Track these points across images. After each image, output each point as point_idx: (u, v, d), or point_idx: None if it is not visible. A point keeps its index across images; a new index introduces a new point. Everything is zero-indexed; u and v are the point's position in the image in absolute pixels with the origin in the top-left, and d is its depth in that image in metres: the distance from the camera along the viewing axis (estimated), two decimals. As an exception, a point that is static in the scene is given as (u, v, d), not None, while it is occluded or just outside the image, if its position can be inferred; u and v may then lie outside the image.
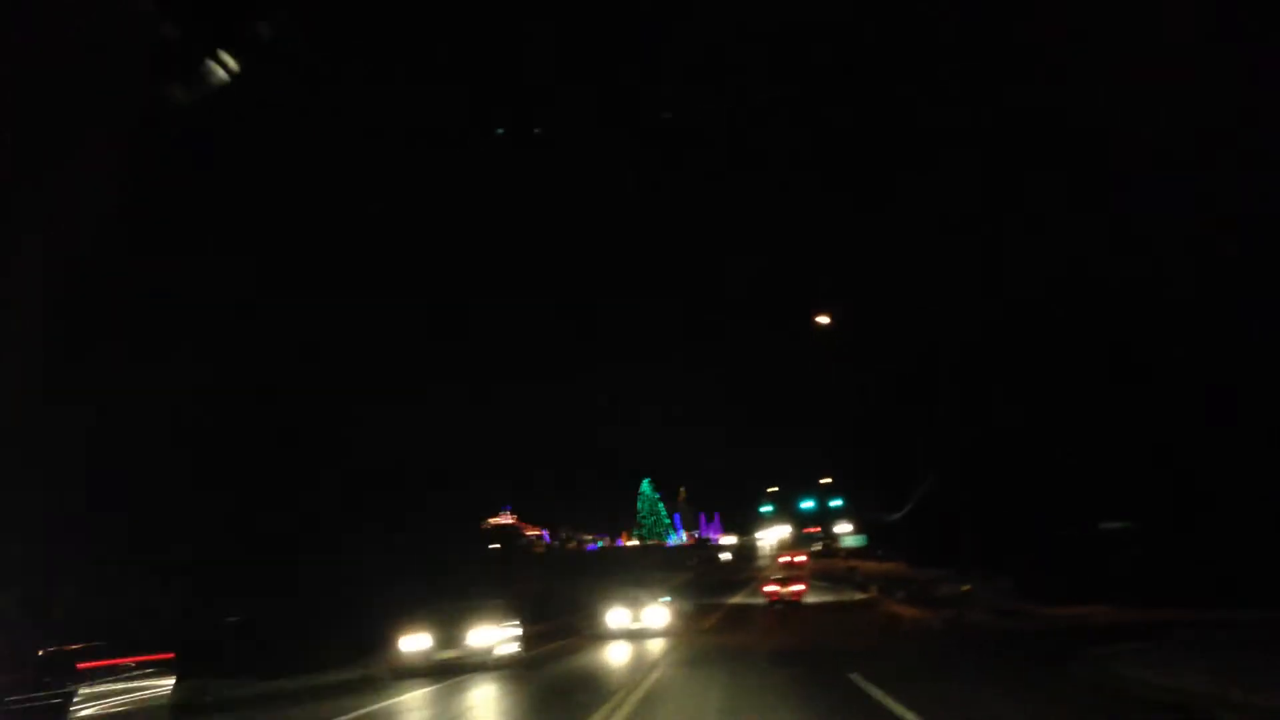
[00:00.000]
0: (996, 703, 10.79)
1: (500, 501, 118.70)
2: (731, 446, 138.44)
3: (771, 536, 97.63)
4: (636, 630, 25.21)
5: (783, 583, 38.80)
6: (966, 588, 27.75)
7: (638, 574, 46.39)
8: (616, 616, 25.74)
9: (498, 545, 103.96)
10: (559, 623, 30.59)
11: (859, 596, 40.99)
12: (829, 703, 11.35)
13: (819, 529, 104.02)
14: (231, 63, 8.44)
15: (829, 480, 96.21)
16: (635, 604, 25.93)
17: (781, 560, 63.66)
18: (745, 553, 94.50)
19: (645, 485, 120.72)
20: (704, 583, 55.91)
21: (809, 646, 19.95)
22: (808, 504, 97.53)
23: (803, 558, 64.53)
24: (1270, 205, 17.56)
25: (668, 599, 26.94)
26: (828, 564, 70.58)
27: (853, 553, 65.13)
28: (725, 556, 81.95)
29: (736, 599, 41.59)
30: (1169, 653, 13.13)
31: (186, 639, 17.17)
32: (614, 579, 35.15)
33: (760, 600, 40.56)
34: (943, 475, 41.73)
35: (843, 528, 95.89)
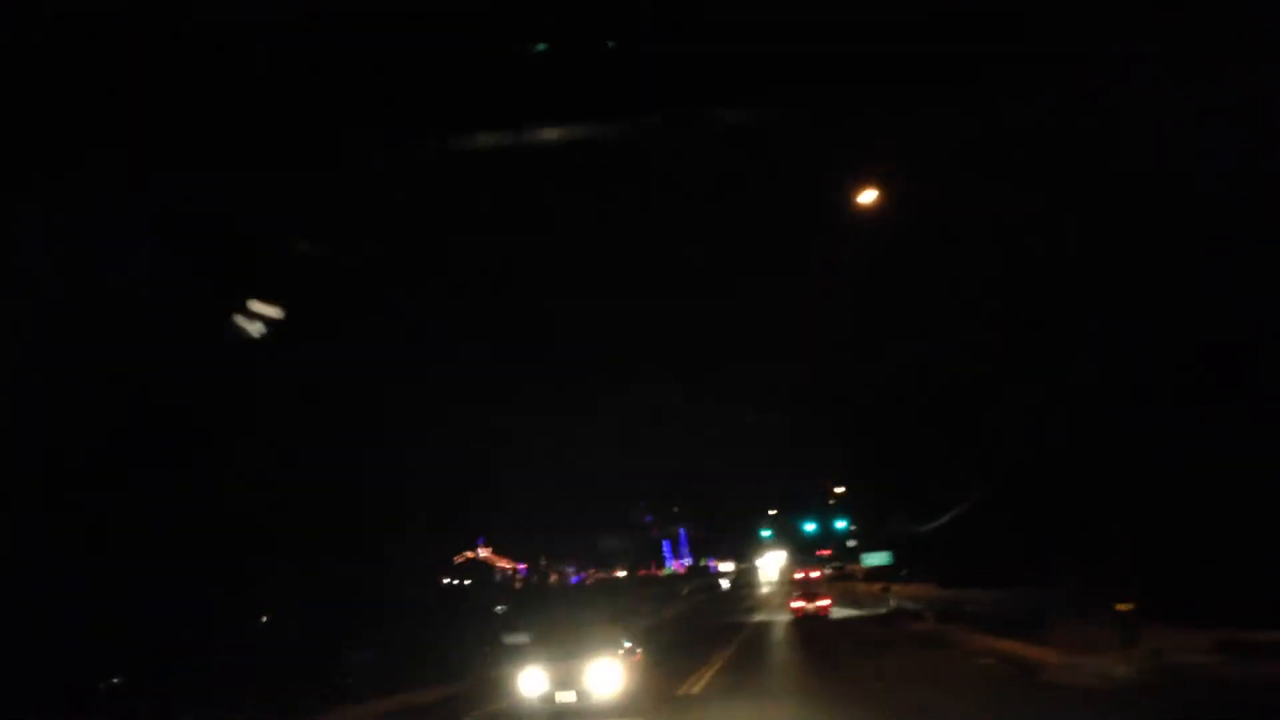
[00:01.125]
0: None
1: (476, 534, 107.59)
2: (731, 469, 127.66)
3: (771, 563, 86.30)
4: (567, 707, 13.97)
5: (808, 598, 40.04)
6: (1125, 605, 16.47)
7: (617, 607, 35.52)
8: (533, 682, 14.44)
9: (468, 581, 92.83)
10: (455, 688, 19.07)
11: (915, 627, 29.64)
12: None
13: (828, 551, 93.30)
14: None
15: (841, 490, 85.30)
16: (569, 658, 14.60)
17: (797, 577, 62.60)
18: (745, 579, 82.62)
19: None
20: (698, 619, 44.61)
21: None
22: (810, 526, 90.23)
23: (817, 573, 63.09)
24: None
25: (627, 646, 15.44)
26: (846, 586, 59.14)
27: (875, 572, 53.70)
28: (724, 584, 70.37)
29: (740, 640, 30.01)
30: None
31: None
32: (559, 616, 23.84)
33: (778, 635, 29.52)
34: (1002, 477, 31.39)
35: (856, 545, 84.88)
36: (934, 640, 24.24)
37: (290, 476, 24.22)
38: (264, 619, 23.87)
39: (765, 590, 63.39)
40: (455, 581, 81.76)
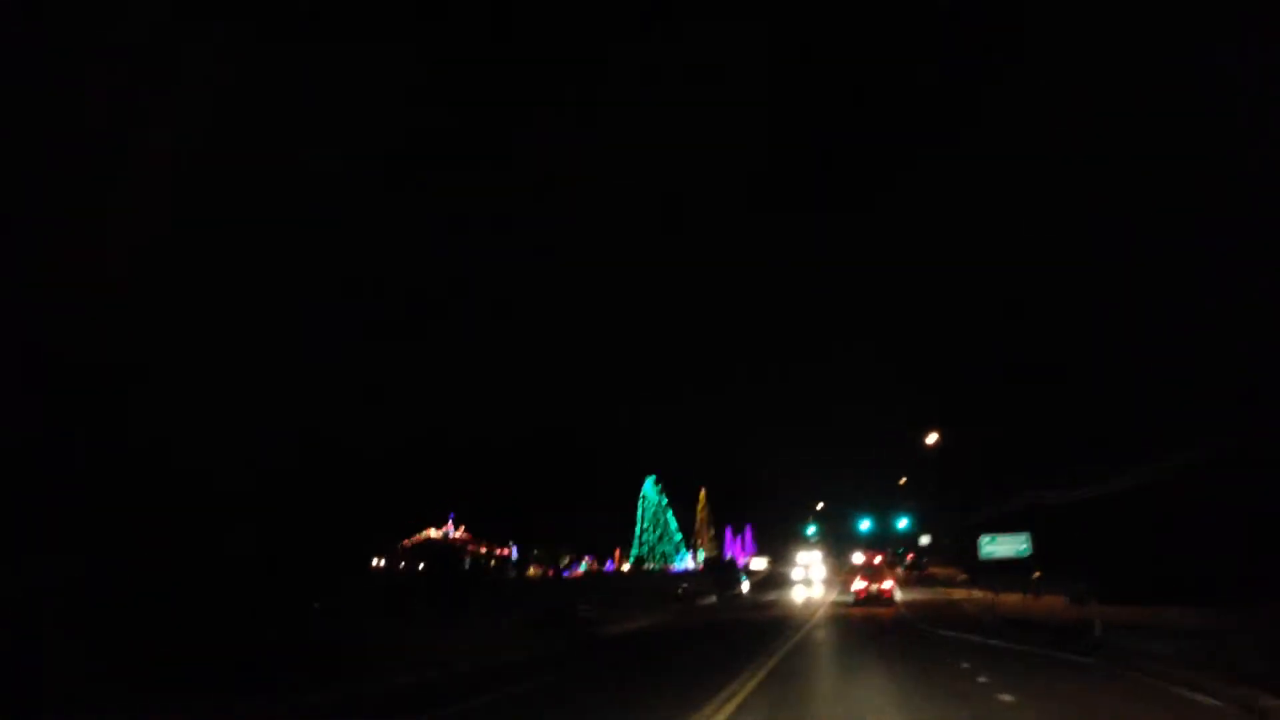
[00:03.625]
0: None
1: (444, 509, 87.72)
2: (774, 447, 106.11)
3: (816, 564, 65.09)
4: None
5: (871, 578, 40.44)
6: None
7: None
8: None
9: (421, 566, 73.36)
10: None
11: None
12: None
13: (883, 554, 74.46)
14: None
15: (904, 481, 64.85)
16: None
17: (858, 561, 60.82)
18: (774, 580, 60.13)
19: (649, 487, 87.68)
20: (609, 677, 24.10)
21: None
22: (865, 524, 75.34)
23: (879, 558, 59.06)
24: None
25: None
26: (928, 596, 37.69)
27: (990, 571, 32.29)
28: (744, 588, 48.01)
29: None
30: None
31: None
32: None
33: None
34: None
35: (931, 545, 64.58)
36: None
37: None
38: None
39: (802, 600, 42.55)
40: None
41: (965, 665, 13.53)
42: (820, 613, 31.07)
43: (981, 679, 11.84)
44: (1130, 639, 15.89)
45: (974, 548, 32.34)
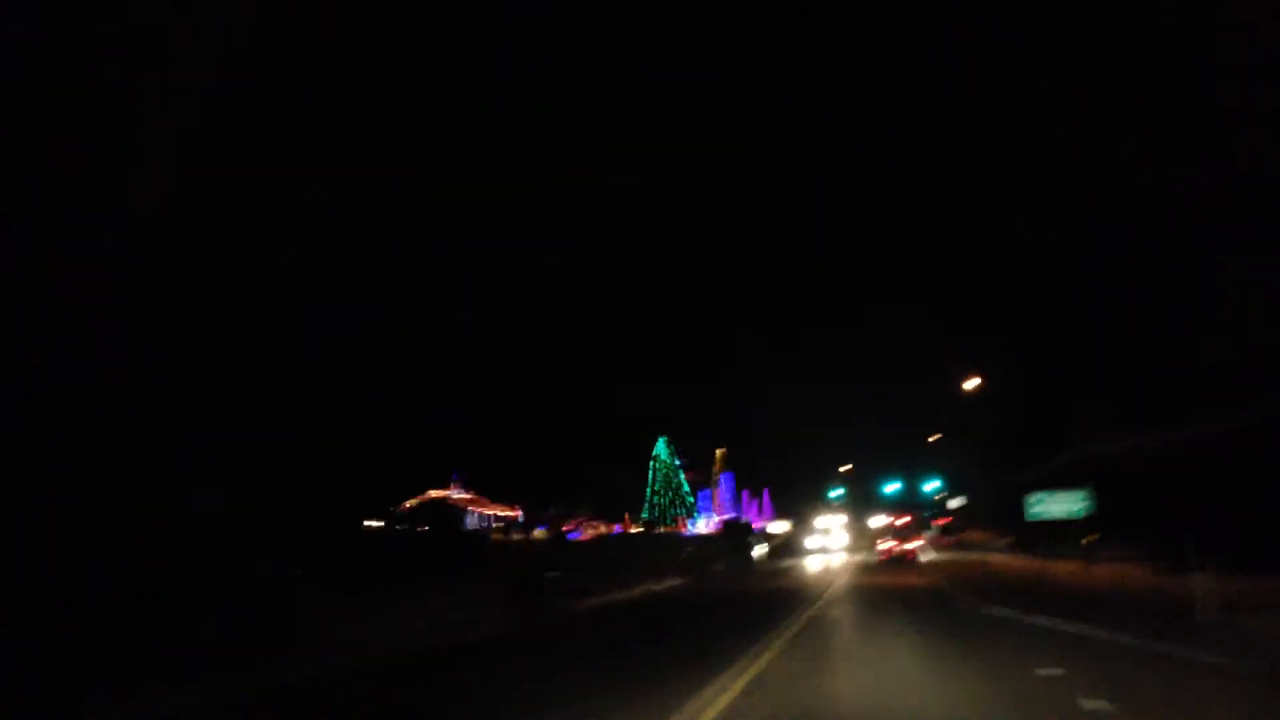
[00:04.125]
0: None
1: (450, 467, 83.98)
2: (802, 405, 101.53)
3: (836, 528, 61.05)
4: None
5: (899, 538, 41.97)
6: None
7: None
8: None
9: (424, 528, 69.97)
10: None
11: None
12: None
13: (909, 516, 70.68)
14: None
15: (938, 437, 60.26)
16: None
17: (882, 524, 59.46)
18: (793, 547, 55.39)
19: (661, 446, 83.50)
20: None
21: None
22: (893, 486, 72.49)
23: (907, 518, 57.90)
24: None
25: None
26: (965, 564, 33.36)
27: (1042, 533, 27.93)
28: (758, 551, 43.29)
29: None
30: None
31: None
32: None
33: None
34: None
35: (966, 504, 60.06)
36: None
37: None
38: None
39: (820, 567, 38.32)
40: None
41: (1044, 672, 9.20)
42: (841, 582, 26.97)
43: (1091, 705, 7.54)
44: (1266, 623, 11.58)
45: (1017, 508, 28.05)
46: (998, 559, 31.13)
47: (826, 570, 35.40)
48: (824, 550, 50.89)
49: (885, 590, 23.35)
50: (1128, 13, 27.90)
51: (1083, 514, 24.89)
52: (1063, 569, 24.88)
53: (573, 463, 76.13)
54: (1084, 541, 27.82)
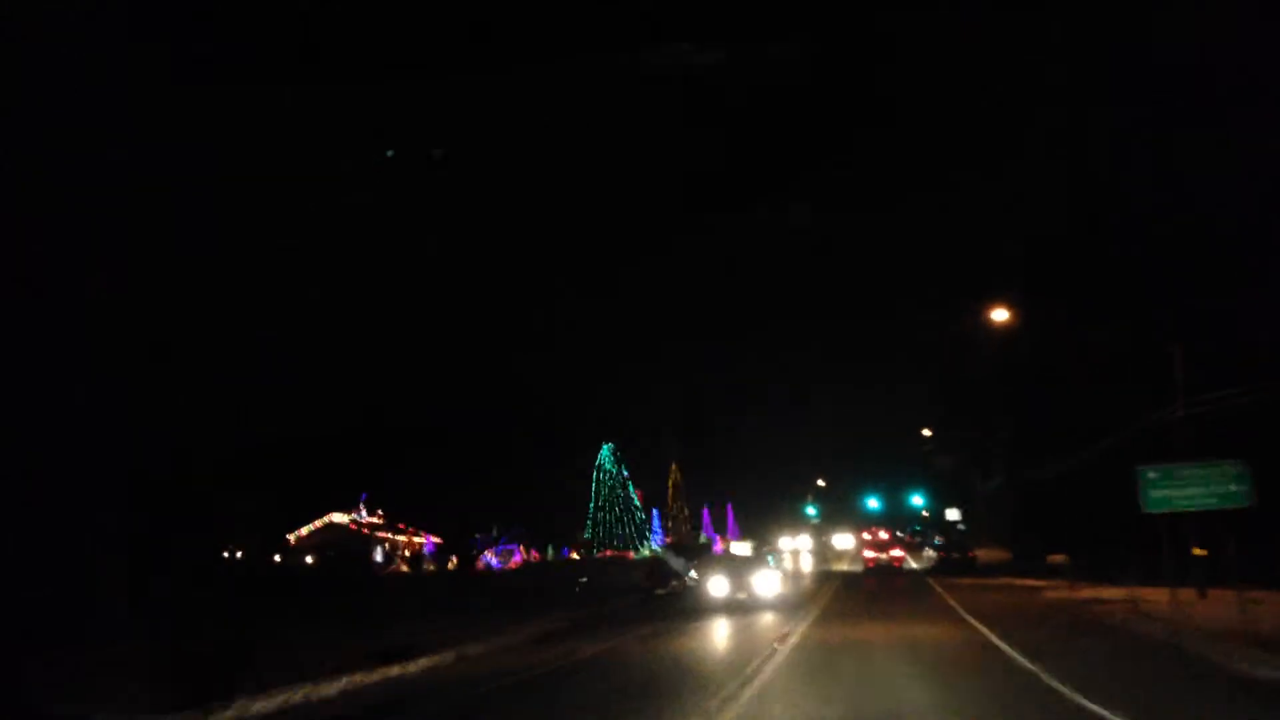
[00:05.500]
0: None
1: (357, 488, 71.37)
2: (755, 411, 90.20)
3: (804, 549, 50.86)
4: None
5: (878, 549, 44.69)
6: None
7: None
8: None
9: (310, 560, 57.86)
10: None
11: None
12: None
13: (889, 533, 64.43)
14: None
15: (928, 433, 51.03)
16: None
17: (866, 538, 57.21)
18: (745, 570, 42.64)
19: (605, 455, 71.73)
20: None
21: None
22: (873, 503, 66.50)
23: (886, 534, 56.25)
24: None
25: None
26: (1003, 601, 21.41)
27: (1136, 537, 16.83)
28: (690, 579, 30.06)
29: None
30: None
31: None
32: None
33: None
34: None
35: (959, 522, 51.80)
36: None
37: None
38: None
39: (773, 595, 25.63)
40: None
41: None
42: (798, 636, 14.79)
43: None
44: None
45: (1048, 512, 16.90)
46: (1057, 595, 19.85)
47: (784, 603, 22.14)
48: (796, 579, 34.17)
49: (883, 649, 11.58)
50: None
51: (1243, 501, 13.76)
52: (1211, 613, 13.63)
53: (501, 474, 64.23)
54: (1197, 552, 17.53)
